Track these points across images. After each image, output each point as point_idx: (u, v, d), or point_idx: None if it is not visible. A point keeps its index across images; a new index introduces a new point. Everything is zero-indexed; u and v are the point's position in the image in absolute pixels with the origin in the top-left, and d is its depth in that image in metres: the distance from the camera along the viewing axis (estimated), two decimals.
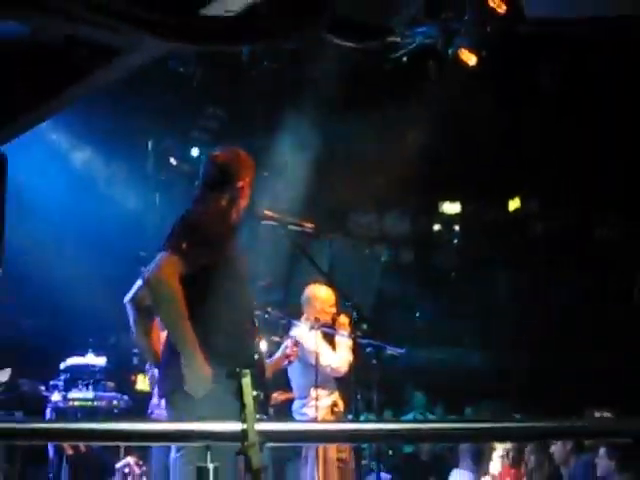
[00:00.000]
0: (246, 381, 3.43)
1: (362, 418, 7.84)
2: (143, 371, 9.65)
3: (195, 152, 13.62)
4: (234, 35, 2.89)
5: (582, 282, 17.43)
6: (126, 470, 9.08)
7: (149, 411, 9.06)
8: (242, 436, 3.36)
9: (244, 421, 3.37)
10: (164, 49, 3.16)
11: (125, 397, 9.71)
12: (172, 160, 13.78)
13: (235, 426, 3.44)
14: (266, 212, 6.09)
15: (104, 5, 2.76)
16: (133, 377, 10.29)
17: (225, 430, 3.67)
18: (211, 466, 3.60)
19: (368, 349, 7.05)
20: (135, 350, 10.19)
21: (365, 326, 6.99)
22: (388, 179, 16.11)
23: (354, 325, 7.24)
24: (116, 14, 2.80)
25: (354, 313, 7.11)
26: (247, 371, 3.49)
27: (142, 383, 9.77)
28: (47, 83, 3.40)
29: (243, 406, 3.39)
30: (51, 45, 3.25)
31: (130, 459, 9.12)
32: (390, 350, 7.45)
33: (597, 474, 9.41)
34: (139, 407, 9.40)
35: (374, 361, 7.06)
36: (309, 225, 6.26)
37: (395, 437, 4.45)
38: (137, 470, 8.84)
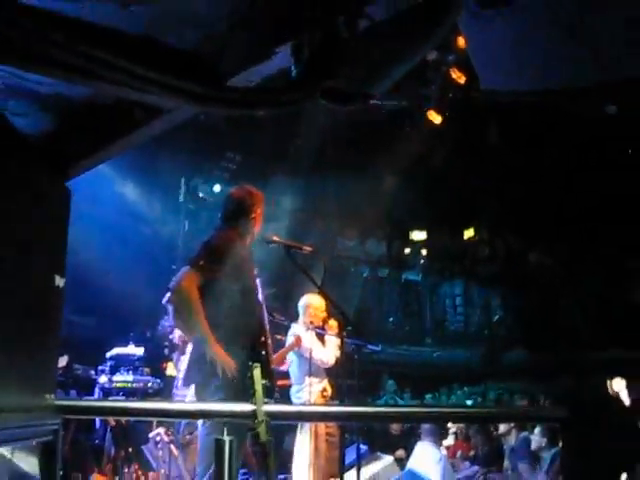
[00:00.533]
0: (257, 372, 3.44)
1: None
2: (172, 360, 9.65)
3: (217, 188, 13.67)
4: (254, 102, 2.90)
5: (518, 296, 17.51)
6: (157, 438, 9.03)
7: (172, 391, 9.09)
8: (253, 415, 3.36)
9: (254, 404, 3.37)
10: (199, 110, 3.17)
11: (158, 380, 9.68)
12: (200, 193, 13.81)
13: (247, 407, 3.45)
14: (274, 237, 6.07)
15: (147, 77, 2.78)
16: (164, 364, 10.23)
17: (240, 410, 3.68)
18: (227, 439, 3.59)
19: (351, 346, 7.01)
20: (166, 343, 10.17)
21: (349, 328, 6.94)
22: (369, 213, 16.21)
23: (341, 327, 7.23)
24: (157, 84, 2.82)
25: (341, 317, 7.08)
26: (257, 364, 3.50)
27: (171, 369, 9.74)
28: (108, 132, 3.43)
29: (254, 392, 3.40)
30: (111, 103, 3.27)
31: (161, 429, 9.08)
32: (369, 347, 7.43)
33: (531, 448, 9.42)
34: (168, 388, 9.39)
35: (356, 356, 7.02)
36: (307, 248, 6.24)
37: (372, 418, 4.47)
38: (166, 438, 8.79)
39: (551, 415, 4.52)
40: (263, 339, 5.40)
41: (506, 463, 10.60)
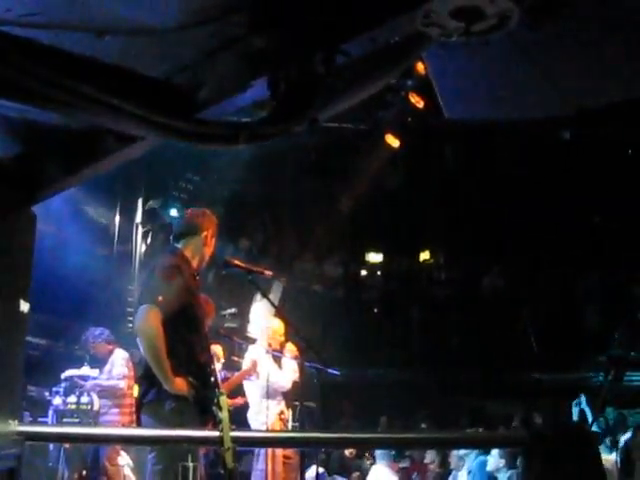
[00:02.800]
0: (223, 399, 3.42)
1: None
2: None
3: (174, 209, 13.58)
4: (228, 137, 2.92)
5: (472, 317, 17.66)
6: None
7: (102, 410, 8.99)
8: (220, 441, 3.33)
9: (221, 430, 3.35)
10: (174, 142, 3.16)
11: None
12: (158, 214, 13.74)
13: (214, 434, 3.43)
14: (234, 261, 6.07)
15: (121, 108, 2.79)
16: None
17: (206, 436, 3.67)
18: (191, 465, 3.60)
19: (311, 370, 7.02)
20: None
21: (308, 351, 6.96)
22: (326, 236, 16.31)
23: (299, 351, 7.25)
24: (131, 116, 2.82)
25: (300, 341, 7.09)
26: (224, 391, 3.50)
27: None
28: (78, 158, 3.42)
29: (220, 419, 3.37)
30: (82, 128, 3.27)
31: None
32: (328, 371, 7.44)
33: (487, 469, 9.48)
34: None
35: (315, 380, 7.04)
36: (268, 272, 6.26)
37: (337, 443, 4.48)
38: (122, 462, 8.78)
39: (512, 439, 4.57)
40: (211, 366, 5.32)
41: None
